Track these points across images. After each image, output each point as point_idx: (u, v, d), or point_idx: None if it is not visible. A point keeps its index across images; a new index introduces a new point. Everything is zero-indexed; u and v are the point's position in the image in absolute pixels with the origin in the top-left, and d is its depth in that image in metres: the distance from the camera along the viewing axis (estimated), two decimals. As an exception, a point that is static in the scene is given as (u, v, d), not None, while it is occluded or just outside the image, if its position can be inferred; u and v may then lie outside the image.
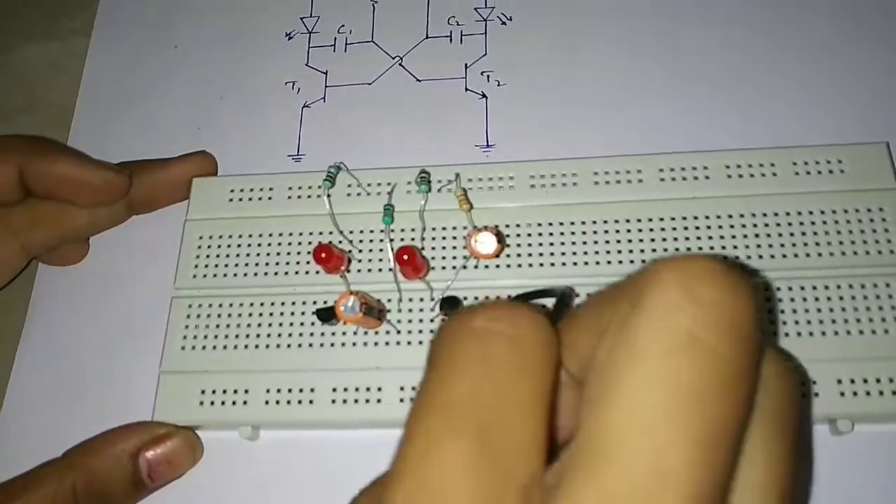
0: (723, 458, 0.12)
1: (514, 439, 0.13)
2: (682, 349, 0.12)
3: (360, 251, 0.27)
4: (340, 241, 0.27)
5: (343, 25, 0.33)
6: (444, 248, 0.27)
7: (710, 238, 0.26)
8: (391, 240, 0.27)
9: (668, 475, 0.11)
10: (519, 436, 0.13)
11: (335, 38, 0.33)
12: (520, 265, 0.26)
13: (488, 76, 0.31)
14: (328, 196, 0.27)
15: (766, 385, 0.14)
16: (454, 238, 0.27)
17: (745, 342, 0.12)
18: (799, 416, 0.15)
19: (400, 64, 0.32)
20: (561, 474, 0.12)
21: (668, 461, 0.11)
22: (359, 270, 0.27)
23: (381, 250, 0.27)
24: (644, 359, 0.12)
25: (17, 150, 0.27)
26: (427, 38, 0.32)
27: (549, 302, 0.20)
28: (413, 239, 0.27)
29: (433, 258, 0.27)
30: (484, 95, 0.31)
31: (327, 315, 0.26)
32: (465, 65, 0.32)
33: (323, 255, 0.25)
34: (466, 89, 0.31)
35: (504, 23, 0.32)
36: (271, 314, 0.27)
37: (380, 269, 0.27)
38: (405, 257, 0.25)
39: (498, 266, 0.26)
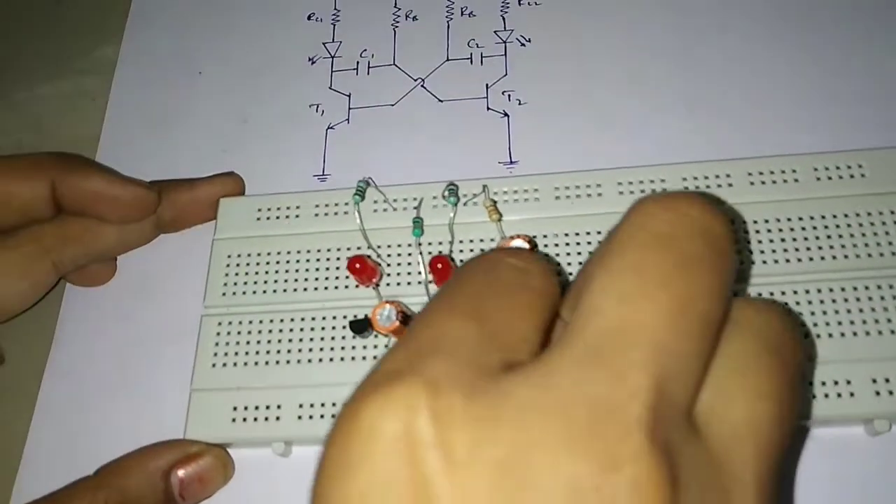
0: (689, 337, 0.13)
1: (508, 329, 0.14)
2: (655, 243, 0.14)
3: (389, 265, 0.28)
4: (369, 256, 0.28)
5: (365, 49, 0.34)
6: (473, 259, 0.27)
7: (736, 244, 0.26)
8: (420, 252, 0.27)
9: (636, 331, 0.13)
10: (513, 329, 0.14)
11: (357, 62, 0.34)
12: (550, 274, 0.26)
13: (509, 95, 0.32)
14: (358, 211, 0.28)
15: (758, 314, 0.15)
16: (482, 250, 0.27)
17: (716, 248, 0.14)
18: (797, 353, 0.16)
19: (422, 85, 0.33)
20: None
21: (637, 319, 0.13)
22: (388, 284, 0.27)
23: (409, 264, 0.27)
24: (622, 249, 0.14)
25: (49, 166, 0.27)
26: (448, 60, 0.33)
27: None
28: (441, 252, 0.27)
29: (464, 269, 0.27)
30: (506, 114, 0.31)
31: (361, 327, 0.26)
32: (486, 85, 0.32)
33: (357, 265, 0.25)
34: (488, 108, 0.32)
35: (523, 44, 0.33)
36: (301, 329, 0.27)
37: (409, 283, 0.27)
38: (439, 266, 0.25)
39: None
